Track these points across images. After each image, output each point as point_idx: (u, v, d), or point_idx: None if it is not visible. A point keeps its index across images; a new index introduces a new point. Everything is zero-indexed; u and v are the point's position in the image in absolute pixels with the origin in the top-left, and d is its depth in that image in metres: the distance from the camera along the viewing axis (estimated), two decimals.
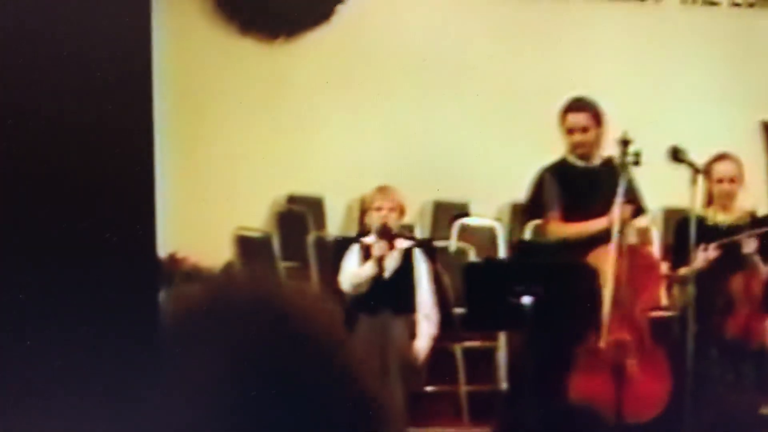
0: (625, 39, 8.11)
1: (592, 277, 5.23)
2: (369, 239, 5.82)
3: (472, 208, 7.83)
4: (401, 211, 5.90)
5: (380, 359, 5.29)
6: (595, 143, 5.73)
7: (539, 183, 5.80)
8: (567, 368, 5.40)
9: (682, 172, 5.50)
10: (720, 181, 5.77)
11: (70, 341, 1.34)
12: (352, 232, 6.93)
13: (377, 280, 5.70)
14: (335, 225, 7.77)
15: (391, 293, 5.72)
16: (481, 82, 7.89)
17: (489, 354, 6.90)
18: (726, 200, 5.79)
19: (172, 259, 6.44)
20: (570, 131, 5.73)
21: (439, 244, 7.00)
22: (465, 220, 7.70)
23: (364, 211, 6.26)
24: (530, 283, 4.97)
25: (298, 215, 7.62)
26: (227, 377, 1.12)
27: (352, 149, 7.75)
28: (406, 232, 6.42)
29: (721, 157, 5.82)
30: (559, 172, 5.77)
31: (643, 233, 7.19)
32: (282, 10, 7.76)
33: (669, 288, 5.92)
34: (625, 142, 5.49)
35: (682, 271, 5.61)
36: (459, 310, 6.05)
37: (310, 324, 1.16)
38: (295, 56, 7.80)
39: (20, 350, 1.35)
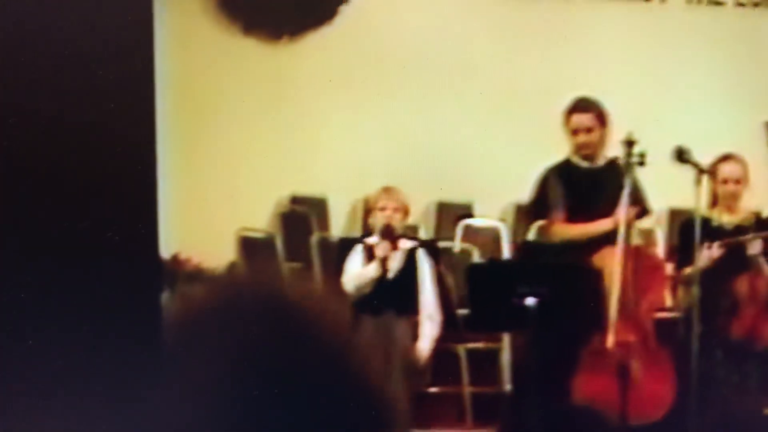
0: (629, 39, 8.10)
1: (596, 278, 5.22)
2: (372, 239, 5.80)
3: (476, 209, 7.82)
4: (405, 212, 5.89)
5: (383, 360, 5.28)
6: (600, 144, 5.72)
7: (543, 183, 5.79)
8: (571, 369, 5.39)
9: (687, 172, 5.49)
10: (725, 181, 5.75)
11: (73, 341, 1.33)
12: (356, 233, 6.93)
13: (380, 281, 5.69)
14: (338, 226, 7.76)
15: (395, 294, 5.71)
16: (485, 82, 7.88)
17: (493, 355, 6.90)
18: (731, 201, 5.77)
19: (176, 260, 6.43)
20: (574, 132, 5.71)
21: (442, 244, 6.99)
22: (469, 221, 7.69)
23: (368, 212, 6.25)
24: (534, 284, 4.95)
25: (302, 216, 7.61)
26: (232, 377, 1.12)
27: (356, 149, 7.74)
28: (410, 232, 6.41)
29: (726, 158, 5.80)
30: (563, 172, 5.75)
31: (648, 234, 7.18)
32: (285, 10, 7.75)
33: (674, 289, 5.90)
34: (629, 143, 5.47)
35: (687, 270, 5.60)
36: (463, 311, 6.04)
37: (317, 324, 1.15)
38: (299, 56, 7.79)
39: (22, 350, 1.34)
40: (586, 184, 5.71)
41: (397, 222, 5.79)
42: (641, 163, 5.47)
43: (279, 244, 7.39)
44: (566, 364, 5.36)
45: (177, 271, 6.31)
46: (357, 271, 5.73)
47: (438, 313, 5.83)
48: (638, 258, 5.53)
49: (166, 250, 5.50)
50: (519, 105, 7.83)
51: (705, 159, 5.62)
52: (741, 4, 8.32)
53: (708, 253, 5.50)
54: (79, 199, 1.33)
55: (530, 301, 4.90)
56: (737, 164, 5.80)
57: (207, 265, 6.76)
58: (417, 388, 5.74)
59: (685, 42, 8.18)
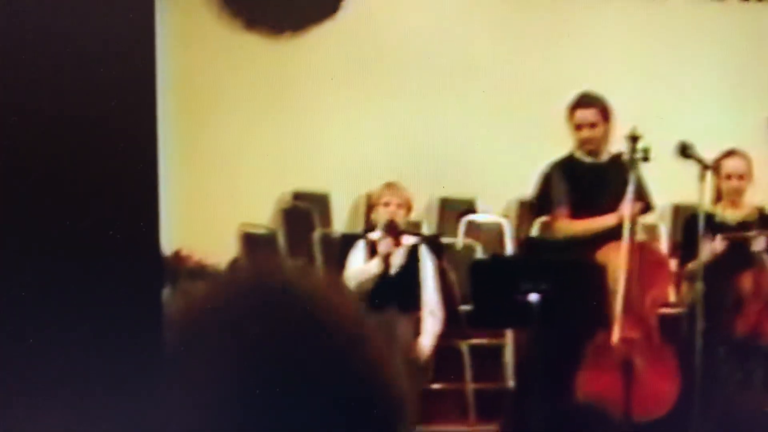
0: (632, 34, 8.09)
1: (600, 274, 5.20)
2: (375, 235, 5.79)
3: (479, 205, 7.81)
4: (409, 208, 5.88)
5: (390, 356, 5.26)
6: (603, 139, 5.71)
7: (547, 179, 5.78)
8: (574, 366, 5.38)
9: (691, 168, 5.48)
10: (729, 177, 5.74)
11: (73, 340, 1.32)
12: (358, 229, 6.92)
13: (383, 277, 5.68)
14: (341, 222, 7.75)
15: (397, 290, 5.70)
16: (488, 77, 7.87)
17: (496, 351, 6.89)
18: (735, 196, 5.77)
19: (177, 257, 6.42)
20: (578, 127, 5.70)
21: (445, 240, 6.98)
22: (472, 217, 7.68)
23: (370, 207, 6.24)
24: (537, 280, 4.94)
25: (304, 212, 7.60)
26: (239, 374, 1.11)
27: (358, 145, 7.73)
28: (413, 228, 6.40)
29: (729, 154, 5.79)
30: (566, 168, 5.74)
31: (652, 230, 7.17)
32: (287, 5, 7.74)
33: (677, 285, 5.89)
34: (634, 138, 5.46)
35: (690, 265, 5.59)
36: (466, 307, 6.03)
37: (328, 318, 1.14)
38: (301, 52, 7.77)
39: (21, 349, 1.32)
40: (590, 179, 5.70)
41: (400, 218, 5.78)
42: (645, 159, 5.45)
43: (281, 240, 7.38)
44: (569, 361, 5.35)
45: (179, 268, 6.30)
46: (359, 267, 5.72)
47: (440, 309, 5.82)
48: (642, 254, 5.52)
49: (167, 247, 5.49)
50: (522, 101, 7.82)
51: (709, 155, 5.60)
52: (746, 0, 8.30)
53: (711, 247, 5.48)
54: (80, 197, 1.31)
55: (533, 297, 4.89)
56: (741, 160, 5.79)
57: (209, 262, 6.75)
58: (419, 385, 5.73)
59: (688, 38, 8.16)
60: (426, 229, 7.43)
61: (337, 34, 7.80)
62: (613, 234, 5.44)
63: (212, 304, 1.17)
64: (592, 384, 5.30)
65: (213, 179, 7.51)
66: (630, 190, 5.43)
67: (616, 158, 5.66)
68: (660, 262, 5.79)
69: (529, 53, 7.95)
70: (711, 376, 5.38)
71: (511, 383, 6.68)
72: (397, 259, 5.76)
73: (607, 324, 5.28)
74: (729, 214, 5.75)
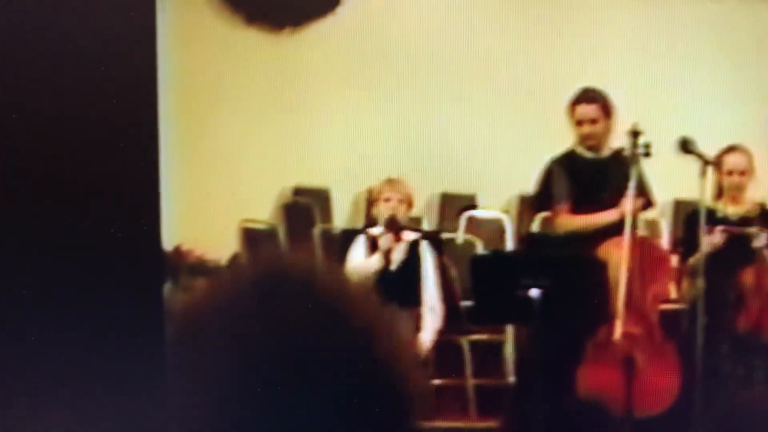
0: (634, 30, 8.08)
1: (600, 269, 5.20)
2: (375, 230, 5.79)
3: (480, 200, 7.80)
4: (410, 204, 5.87)
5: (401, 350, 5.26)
6: (604, 135, 5.70)
7: (548, 175, 5.78)
8: (575, 362, 5.37)
9: (692, 164, 5.47)
10: (730, 173, 5.74)
11: (74, 338, 1.31)
12: (359, 225, 6.91)
13: (383, 273, 5.68)
14: (341, 217, 7.75)
15: (397, 286, 5.69)
16: (489, 73, 7.86)
17: (496, 347, 6.88)
18: (736, 192, 5.76)
19: (178, 252, 6.41)
20: (579, 123, 5.70)
21: (446, 236, 6.97)
22: (472, 213, 7.68)
23: (371, 202, 6.23)
24: (538, 275, 4.94)
25: (305, 207, 7.60)
26: (247, 369, 1.10)
27: (359, 141, 7.72)
28: (414, 224, 6.39)
29: (731, 149, 5.79)
30: (567, 163, 5.74)
31: (653, 225, 7.17)
32: (287, 1, 7.73)
33: (678, 281, 5.88)
34: (635, 134, 5.45)
35: (691, 260, 5.59)
36: (466, 303, 6.03)
37: (348, 310, 1.14)
38: (302, 47, 7.77)
39: (23, 346, 1.32)
40: (591, 175, 5.69)
41: (401, 214, 5.77)
42: (646, 154, 5.45)
43: (282, 235, 7.38)
44: (570, 357, 5.35)
45: (179, 264, 6.29)
46: (359, 263, 5.72)
47: (440, 305, 5.82)
48: (643, 249, 5.51)
49: (168, 243, 5.49)
50: (523, 97, 7.82)
51: (710, 150, 5.60)
52: None
53: (710, 239, 5.47)
54: (82, 194, 1.30)
55: (534, 292, 4.88)
56: (742, 155, 5.79)
57: (209, 257, 6.75)
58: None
59: (689, 33, 8.15)
60: (426, 225, 7.42)
61: (338, 30, 7.79)
62: (614, 230, 5.44)
63: (229, 297, 1.17)
64: (593, 380, 5.29)
65: (213, 175, 7.50)
66: (631, 185, 5.43)
67: (617, 154, 5.66)
68: (661, 258, 5.78)
69: (530, 49, 7.94)
70: (712, 372, 5.37)
71: (511, 379, 6.68)
72: (398, 255, 5.76)
73: (608, 320, 5.28)
74: (730, 210, 5.74)
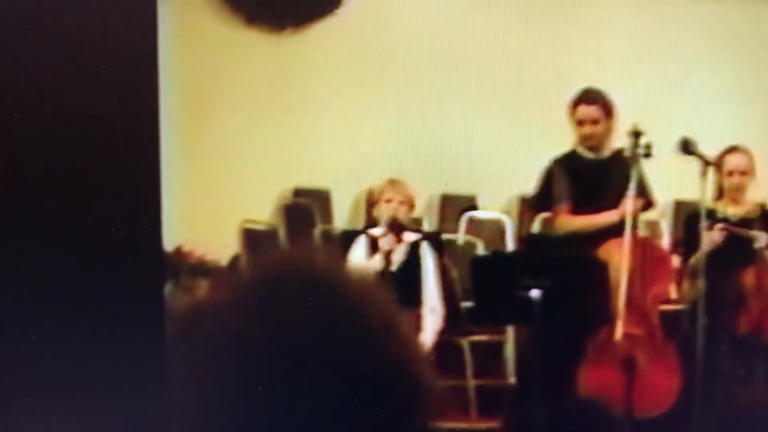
0: (635, 30, 8.08)
1: (601, 270, 5.19)
2: (376, 231, 5.79)
3: (480, 201, 7.80)
4: (411, 205, 5.87)
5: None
6: (606, 135, 5.70)
7: (548, 175, 5.77)
8: (576, 362, 5.37)
9: (693, 164, 5.47)
10: (731, 173, 5.74)
11: (75, 336, 1.31)
12: (359, 226, 6.91)
13: (384, 274, 5.67)
14: (342, 218, 7.75)
15: (398, 287, 5.68)
16: (490, 74, 7.86)
17: (497, 348, 6.88)
18: (737, 193, 5.76)
19: (179, 253, 6.41)
20: (580, 123, 5.69)
21: (446, 237, 6.97)
22: (473, 213, 7.68)
23: (372, 203, 6.23)
24: (539, 276, 4.93)
25: (305, 208, 7.60)
26: (275, 361, 1.10)
27: (359, 142, 7.72)
28: (414, 225, 6.39)
29: (731, 150, 5.79)
30: (568, 164, 5.73)
31: (653, 226, 7.16)
32: (289, 1, 7.73)
33: (679, 281, 5.88)
34: (636, 134, 5.45)
35: (692, 260, 5.59)
36: (467, 304, 6.02)
37: (365, 308, 1.14)
38: (302, 48, 7.77)
39: (23, 346, 1.32)
40: (592, 175, 5.69)
41: (402, 215, 5.77)
42: (647, 155, 5.44)
43: (282, 236, 7.38)
44: (571, 357, 5.35)
45: (180, 264, 6.29)
46: (360, 264, 5.71)
47: (440, 306, 5.82)
48: (644, 250, 5.51)
49: (169, 243, 5.48)
50: (524, 97, 7.81)
51: (711, 151, 5.60)
52: None
53: (710, 236, 5.47)
54: (83, 194, 1.30)
55: (534, 293, 4.88)
56: (743, 156, 5.79)
57: (210, 258, 6.75)
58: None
59: (691, 34, 8.15)
60: (427, 226, 7.42)
61: (339, 31, 7.79)
62: (614, 230, 5.44)
63: (238, 296, 1.16)
64: (593, 380, 5.29)
65: (214, 176, 7.50)
66: (631, 186, 5.42)
67: (618, 154, 5.65)
68: (662, 259, 5.78)
69: (530, 49, 7.94)
70: (713, 372, 5.37)
71: (512, 380, 6.68)
72: (398, 256, 5.75)
73: (608, 320, 5.28)
74: (731, 211, 5.74)
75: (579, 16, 8.04)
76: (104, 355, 1.33)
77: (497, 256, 6.70)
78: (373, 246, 5.76)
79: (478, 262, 5.82)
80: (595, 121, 5.67)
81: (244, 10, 7.73)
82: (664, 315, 5.65)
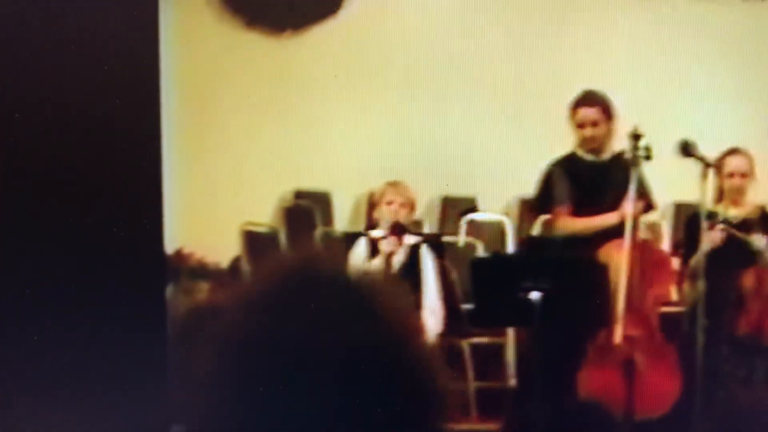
0: (635, 32, 8.08)
1: (601, 272, 5.20)
2: (376, 233, 5.79)
3: (481, 203, 7.80)
4: (412, 207, 5.88)
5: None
6: (606, 138, 5.70)
7: (548, 177, 5.78)
8: (576, 364, 5.37)
9: (693, 166, 5.47)
10: (731, 175, 5.74)
11: (79, 334, 1.32)
12: (360, 228, 6.91)
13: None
14: (342, 220, 7.75)
15: None
16: (490, 76, 7.86)
17: (497, 350, 6.88)
18: (737, 195, 5.76)
19: (179, 255, 6.42)
20: (580, 125, 5.70)
21: (447, 239, 6.97)
22: (473, 215, 7.68)
23: (372, 205, 6.23)
24: (539, 278, 4.93)
25: (306, 210, 7.60)
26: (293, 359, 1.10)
27: (360, 144, 7.72)
28: (415, 227, 6.40)
29: (732, 152, 5.79)
30: (568, 166, 5.74)
31: (653, 228, 7.16)
32: (289, 3, 7.73)
33: (679, 283, 5.88)
34: (636, 137, 5.45)
35: (692, 261, 5.59)
36: (467, 306, 6.03)
37: (385, 309, 1.14)
38: (303, 50, 7.77)
39: (25, 347, 1.32)
40: (592, 177, 5.69)
41: (403, 217, 5.77)
42: (647, 157, 5.45)
43: (283, 238, 7.38)
44: (571, 359, 5.35)
45: (181, 266, 6.30)
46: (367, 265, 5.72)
47: (440, 308, 5.82)
48: (644, 252, 5.51)
49: (169, 245, 5.49)
50: (524, 99, 7.82)
51: (711, 153, 5.60)
52: None
53: (711, 236, 5.47)
54: (85, 195, 1.31)
55: (535, 295, 4.88)
56: (743, 158, 5.79)
57: (210, 260, 6.76)
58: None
59: (691, 36, 8.15)
60: (427, 228, 7.42)
61: (339, 33, 7.79)
62: (614, 232, 5.44)
63: (261, 295, 1.16)
64: (593, 382, 5.29)
65: (214, 178, 7.51)
66: (631, 188, 5.43)
67: (618, 156, 5.66)
68: (662, 261, 5.78)
69: (531, 51, 7.95)
70: (713, 374, 5.37)
71: (512, 382, 6.68)
72: (399, 258, 5.76)
73: (608, 322, 5.28)
74: (731, 213, 5.74)
75: (579, 17, 8.04)
76: (105, 356, 1.33)
77: (497, 258, 6.70)
78: (373, 247, 5.76)
79: (478, 264, 5.82)
80: (595, 124, 5.67)
81: (244, 13, 7.73)
82: (665, 317, 5.66)
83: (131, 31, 1.28)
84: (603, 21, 8.09)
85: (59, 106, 1.28)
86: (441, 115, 7.81)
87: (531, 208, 6.74)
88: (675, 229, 7.30)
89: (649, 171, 5.60)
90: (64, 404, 1.28)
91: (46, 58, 1.27)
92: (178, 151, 6.38)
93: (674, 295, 5.92)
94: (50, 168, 1.28)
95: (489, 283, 5.19)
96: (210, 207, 7.30)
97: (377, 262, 5.70)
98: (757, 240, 5.61)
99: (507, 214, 7.75)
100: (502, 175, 7.71)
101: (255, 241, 7.24)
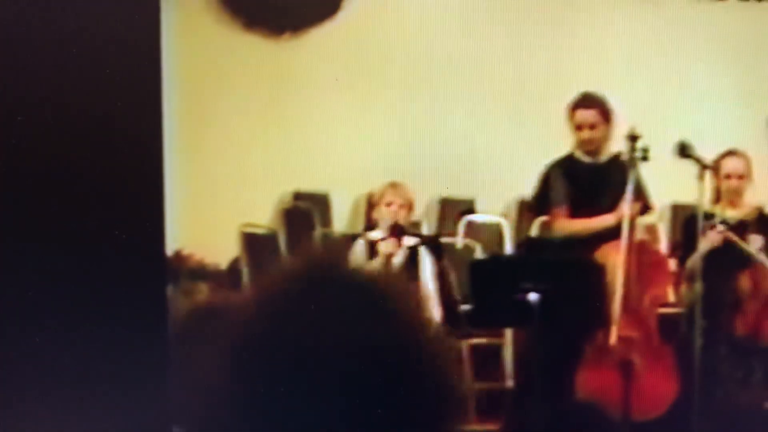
0: (633, 34, 8.09)
1: (599, 273, 5.21)
2: (375, 234, 5.80)
3: (479, 205, 7.81)
4: (410, 208, 5.89)
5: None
6: (604, 140, 5.72)
7: (546, 179, 5.79)
8: (574, 365, 5.38)
9: (690, 168, 5.48)
10: (728, 177, 5.75)
11: (79, 335, 1.33)
12: (358, 229, 6.92)
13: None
14: (341, 222, 7.76)
15: None
16: (489, 78, 7.87)
17: (495, 351, 6.89)
18: (734, 196, 5.78)
19: (178, 256, 6.42)
20: (578, 128, 5.71)
21: (445, 240, 6.98)
22: (471, 217, 7.68)
23: (372, 206, 6.24)
24: (537, 279, 4.95)
25: (304, 212, 7.61)
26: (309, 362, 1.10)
27: (359, 145, 7.73)
28: (413, 228, 6.41)
29: (729, 153, 5.81)
30: (566, 167, 5.75)
31: (651, 230, 7.18)
32: (287, 5, 7.74)
33: (677, 284, 5.90)
34: (633, 138, 5.47)
35: (689, 261, 5.60)
36: (465, 307, 6.03)
37: (404, 312, 1.14)
38: (302, 52, 7.78)
39: (25, 347, 1.33)
40: (589, 179, 5.71)
41: (402, 218, 5.78)
42: (644, 158, 5.46)
43: (282, 240, 7.39)
44: (569, 360, 5.36)
45: (180, 268, 6.30)
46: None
47: (439, 309, 5.82)
48: (641, 253, 5.52)
49: (169, 247, 5.49)
50: (523, 100, 7.82)
51: (708, 154, 5.61)
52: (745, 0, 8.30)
53: (710, 237, 5.47)
54: (86, 197, 1.32)
55: (533, 296, 4.90)
56: (740, 160, 5.81)
57: (209, 261, 6.76)
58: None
59: (688, 37, 8.16)
60: (426, 229, 7.43)
61: (338, 35, 7.80)
62: (612, 233, 5.45)
63: (273, 295, 1.16)
64: (591, 383, 5.30)
65: (213, 179, 7.51)
66: (629, 189, 5.44)
67: (616, 158, 5.67)
68: (659, 262, 5.80)
69: (530, 53, 7.96)
70: (711, 375, 5.38)
71: (510, 383, 6.69)
72: (397, 260, 5.76)
73: (606, 323, 5.29)
74: (728, 214, 5.75)
75: (579, 17, 8.05)
76: (106, 357, 1.34)
77: (495, 259, 6.71)
78: (372, 249, 5.77)
79: (476, 266, 5.83)
80: (593, 126, 5.68)
81: (243, 15, 7.74)
82: (662, 318, 5.66)
83: (133, 32, 1.29)
84: (602, 22, 8.09)
85: (60, 106, 1.29)
86: (440, 116, 7.82)
87: (529, 209, 6.74)
88: (672, 230, 7.31)
89: (646, 172, 5.61)
90: (63, 405, 1.28)
91: (47, 59, 1.28)
92: (177, 153, 6.39)
93: (672, 296, 5.93)
94: (50, 168, 1.29)
95: (487, 284, 5.20)
96: (209, 208, 7.30)
97: (376, 264, 5.70)
98: (755, 241, 5.61)
99: (505, 215, 7.75)
100: (501, 176, 7.71)
101: (254, 243, 7.25)
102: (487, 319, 5.67)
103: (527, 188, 6.11)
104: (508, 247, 7.51)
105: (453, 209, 7.79)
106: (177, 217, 5.08)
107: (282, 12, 7.77)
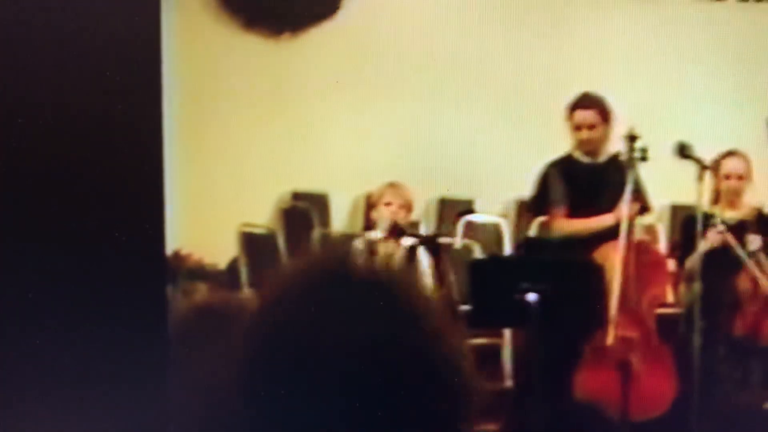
0: (632, 34, 8.09)
1: (598, 273, 5.21)
2: (374, 234, 5.80)
3: (478, 205, 7.81)
4: (409, 208, 5.89)
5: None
6: (602, 140, 5.72)
7: (545, 179, 5.79)
8: (573, 366, 5.38)
9: (689, 168, 5.48)
10: (727, 177, 5.76)
11: (78, 335, 1.33)
12: (357, 229, 6.92)
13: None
14: (340, 222, 7.76)
15: None
16: (488, 78, 7.87)
17: (494, 351, 6.89)
18: (733, 197, 5.78)
19: (177, 256, 6.42)
20: (577, 128, 5.71)
21: (444, 240, 6.97)
22: (470, 217, 7.68)
23: (371, 206, 6.24)
24: (536, 279, 4.95)
25: (303, 212, 7.61)
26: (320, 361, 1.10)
27: (357, 145, 7.73)
28: (412, 228, 6.41)
29: (728, 154, 5.81)
30: (564, 168, 5.75)
31: (650, 230, 7.18)
32: (287, 5, 7.74)
33: (675, 285, 5.90)
34: (632, 138, 5.47)
35: (688, 261, 5.60)
36: (464, 307, 6.03)
37: (418, 311, 1.14)
38: (301, 52, 7.78)
39: (25, 347, 1.33)
40: (588, 179, 5.71)
41: (401, 219, 5.79)
42: (643, 159, 5.46)
43: (280, 239, 7.39)
44: (568, 360, 5.36)
45: (179, 268, 6.31)
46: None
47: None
48: (640, 253, 5.53)
49: (168, 247, 5.49)
50: (521, 100, 7.83)
51: (707, 154, 5.61)
52: (744, 0, 8.31)
53: (709, 237, 5.47)
54: (85, 197, 1.32)
55: (532, 297, 4.90)
56: (740, 160, 5.81)
57: (208, 261, 6.76)
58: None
59: (687, 37, 8.16)
60: (424, 229, 7.43)
61: (338, 35, 7.80)
62: (610, 234, 5.45)
63: (284, 297, 1.16)
64: (590, 383, 5.31)
65: (212, 179, 7.51)
66: (627, 190, 5.44)
67: (615, 158, 5.67)
68: (658, 262, 5.80)
69: (529, 53, 7.96)
70: (709, 375, 5.39)
71: (509, 383, 6.69)
72: (396, 260, 5.76)
73: (605, 324, 5.29)
74: (727, 215, 5.76)
75: (577, 20, 8.05)
76: (105, 357, 1.34)
77: (495, 259, 6.71)
78: (371, 249, 5.76)
79: (475, 266, 5.83)
80: (591, 126, 5.69)
81: (243, 15, 7.74)
82: (661, 318, 5.67)
83: (133, 33, 1.29)
84: (602, 22, 8.10)
85: (60, 106, 1.29)
86: (439, 116, 7.82)
87: (528, 209, 6.75)
88: (671, 230, 7.31)
89: (645, 172, 5.61)
90: (63, 405, 1.28)
91: (47, 59, 1.28)
92: (177, 153, 6.39)
93: (670, 296, 5.93)
94: (50, 168, 1.29)
95: (486, 284, 5.20)
96: (208, 208, 7.30)
97: (376, 264, 5.70)
98: (754, 241, 5.61)
99: (504, 215, 7.75)
100: (499, 177, 7.72)
101: (253, 243, 7.25)
102: (486, 320, 5.66)
103: (526, 188, 6.11)
104: (507, 248, 7.51)
105: (452, 209, 7.79)
106: (176, 217, 5.08)
107: (281, 12, 7.77)
